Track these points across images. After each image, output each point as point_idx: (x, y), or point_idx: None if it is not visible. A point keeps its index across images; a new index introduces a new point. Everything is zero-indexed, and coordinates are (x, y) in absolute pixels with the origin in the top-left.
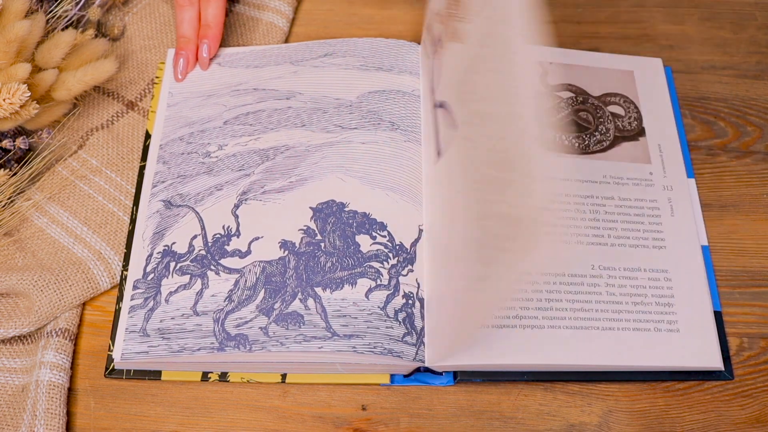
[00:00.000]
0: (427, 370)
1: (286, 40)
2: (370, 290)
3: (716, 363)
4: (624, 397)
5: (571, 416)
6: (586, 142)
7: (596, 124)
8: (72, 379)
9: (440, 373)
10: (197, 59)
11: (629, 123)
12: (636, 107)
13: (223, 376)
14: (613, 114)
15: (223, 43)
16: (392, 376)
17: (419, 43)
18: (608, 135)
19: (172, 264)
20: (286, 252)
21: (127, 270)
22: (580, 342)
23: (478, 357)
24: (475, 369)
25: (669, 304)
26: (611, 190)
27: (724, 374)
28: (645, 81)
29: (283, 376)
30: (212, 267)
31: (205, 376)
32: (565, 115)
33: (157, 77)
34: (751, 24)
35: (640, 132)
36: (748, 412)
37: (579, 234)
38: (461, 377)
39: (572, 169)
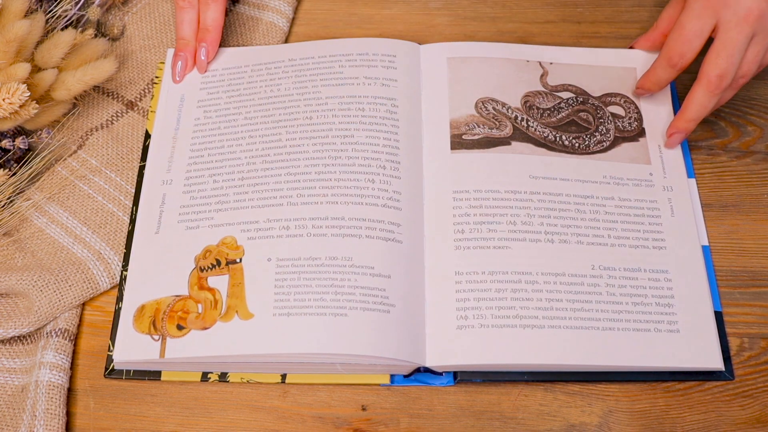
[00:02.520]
0: (427, 370)
1: (286, 40)
2: None
3: (716, 364)
4: (624, 397)
5: (572, 416)
6: (587, 142)
7: (596, 124)
8: (72, 379)
9: (440, 373)
10: (195, 62)
11: (629, 123)
12: (636, 107)
13: (223, 377)
14: (613, 114)
15: (224, 42)
16: (392, 376)
17: (420, 43)
18: (608, 135)
19: None
20: None
21: (126, 270)
22: (580, 342)
23: (478, 357)
24: (475, 369)
25: (669, 305)
26: (611, 191)
27: (725, 374)
28: None
29: (283, 376)
30: None
31: (204, 377)
32: (565, 115)
33: (156, 77)
34: None
35: (640, 132)
36: (748, 413)
37: (579, 234)
38: (461, 377)
39: (572, 169)
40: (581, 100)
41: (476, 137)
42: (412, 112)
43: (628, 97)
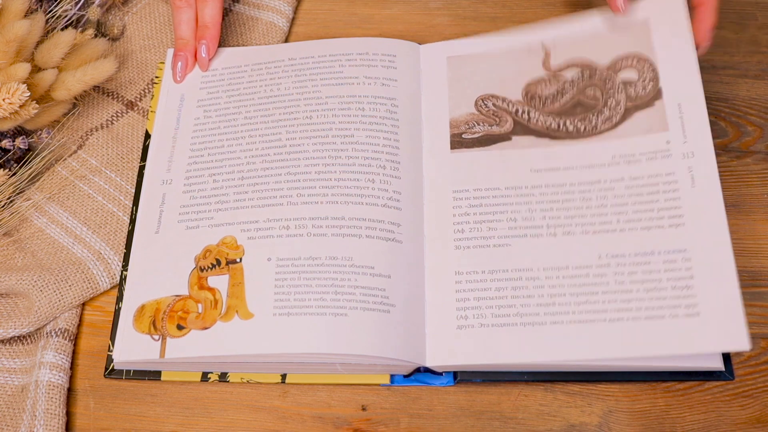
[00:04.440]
0: (427, 370)
1: (286, 40)
2: None
3: (744, 345)
4: (624, 397)
5: (572, 416)
6: (594, 122)
7: (605, 98)
8: (72, 379)
9: (440, 373)
10: (196, 60)
11: (643, 88)
12: (651, 65)
13: (223, 377)
14: (624, 82)
15: (223, 42)
16: (392, 376)
17: (419, 43)
18: (618, 109)
19: None
20: None
21: (126, 270)
22: (584, 336)
23: (478, 357)
24: (475, 369)
25: (687, 287)
26: (621, 171)
27: (725, 374)
28: (663, 26)
29: (283, 376)
30: None
31: (204, 377)
32: (569, 98)
33: (156, 77)
34: (752, 24)
35: (656, 95)
36: (748, 413)
37: (584, 224)
38: (461, 377)
39: (577, 155)
40: (588, 74)
41: (476, 135)
42: (412, 111)
43: (641, 55)
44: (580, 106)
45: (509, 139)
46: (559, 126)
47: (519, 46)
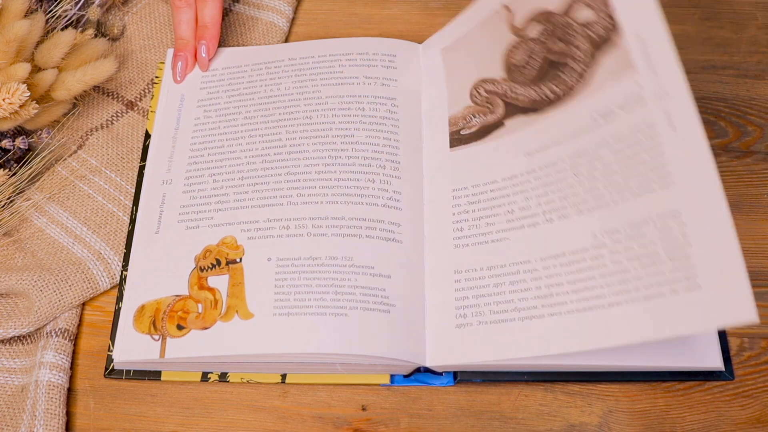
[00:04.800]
0: (427, 370)
1: (286, 40)
2: None
3: (751, 316)
4: (624, 397)
5: (572, 416)
6: (568, 82)
7: (570, 50)
8: (72, 379)
9: (440, 373)
10: (196, 60)
11: (603, 26)
12: None
13: (223, 377)
14: (583, 24)
15: (223, 42)
16: (392, 376)
17: (419, 43)
18: (584, 58)
19: None
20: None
21: (126, 270)
22: (581, 327)
23: (477, 355)
24: (475, 368)
25: (686, 256)
26: (603, 134)
27: (725, 374)
28: None
29: (283, 376)
30: None
31: (204, 377)
32: (541, 59)
33: (156, 77)
34: (752, 24)
35: (615, 31)
36: (748, 413)
37: (578, 203)
38: (461, 377)
39: (562, 125)
40: (550, 28)
41: (473, 129)
42: (412, 111)
43: None
44: (552, 67)
45: (502, 125)
46: (541, 96)
47: (488, 12)
